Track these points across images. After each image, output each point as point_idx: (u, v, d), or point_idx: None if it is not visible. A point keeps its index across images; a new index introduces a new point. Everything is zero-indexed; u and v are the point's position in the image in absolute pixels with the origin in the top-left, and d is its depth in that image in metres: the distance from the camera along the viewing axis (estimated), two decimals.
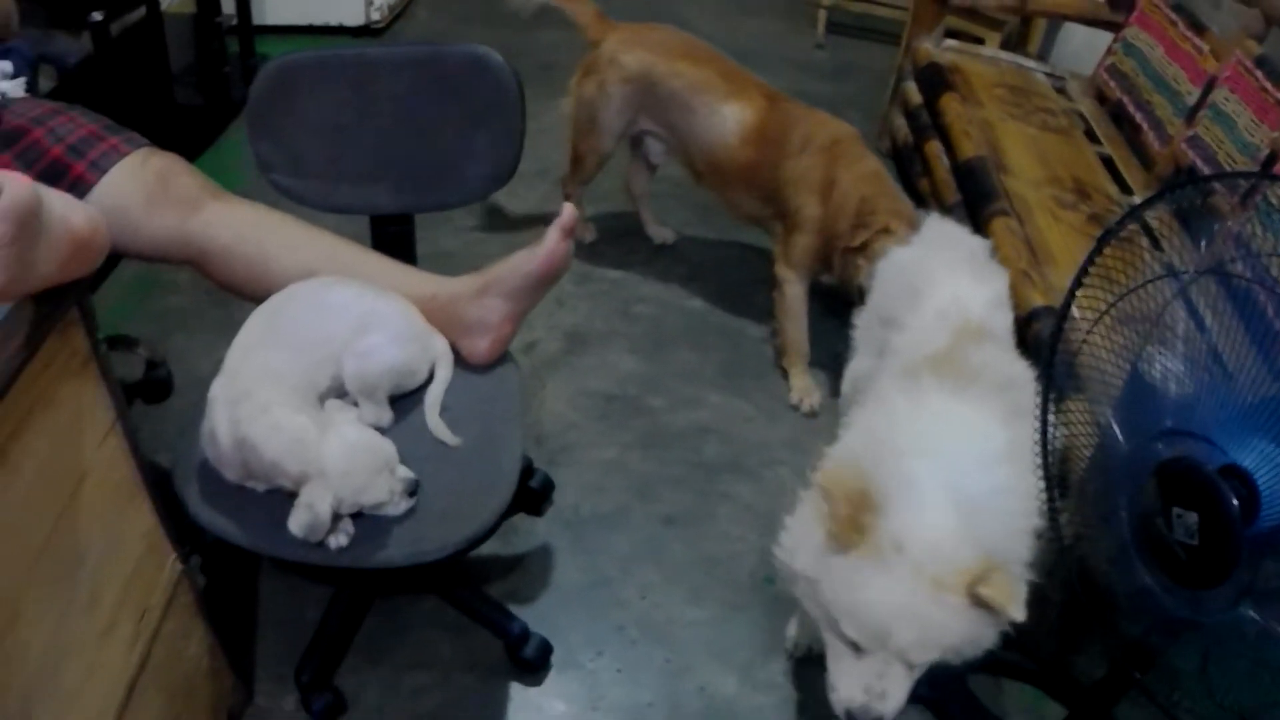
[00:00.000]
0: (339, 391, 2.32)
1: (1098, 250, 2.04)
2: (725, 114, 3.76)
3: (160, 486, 2.16)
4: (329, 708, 2.66)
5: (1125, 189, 3.71)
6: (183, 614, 2.28)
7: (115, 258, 2.28)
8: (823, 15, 6.16)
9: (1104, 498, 2.01)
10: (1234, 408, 1.73)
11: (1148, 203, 1.95)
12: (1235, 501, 1.66)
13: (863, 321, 3.05)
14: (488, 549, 3.12)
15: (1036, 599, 2.62)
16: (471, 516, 2.23)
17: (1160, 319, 1.87)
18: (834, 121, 3.73)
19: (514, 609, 2.84)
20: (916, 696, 2.63)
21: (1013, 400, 2.34)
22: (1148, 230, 2.00)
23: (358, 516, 2.19)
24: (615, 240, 4.36)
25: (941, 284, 2.67)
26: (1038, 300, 2.95)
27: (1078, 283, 2.07)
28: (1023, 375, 2.47)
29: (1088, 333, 2.06)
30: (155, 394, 3.42)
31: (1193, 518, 1.73)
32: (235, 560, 3.02)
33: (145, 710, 2.12)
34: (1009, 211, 3.48)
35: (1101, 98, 4.30)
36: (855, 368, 3.04)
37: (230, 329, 2.24)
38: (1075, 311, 2.12)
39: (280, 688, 2.73)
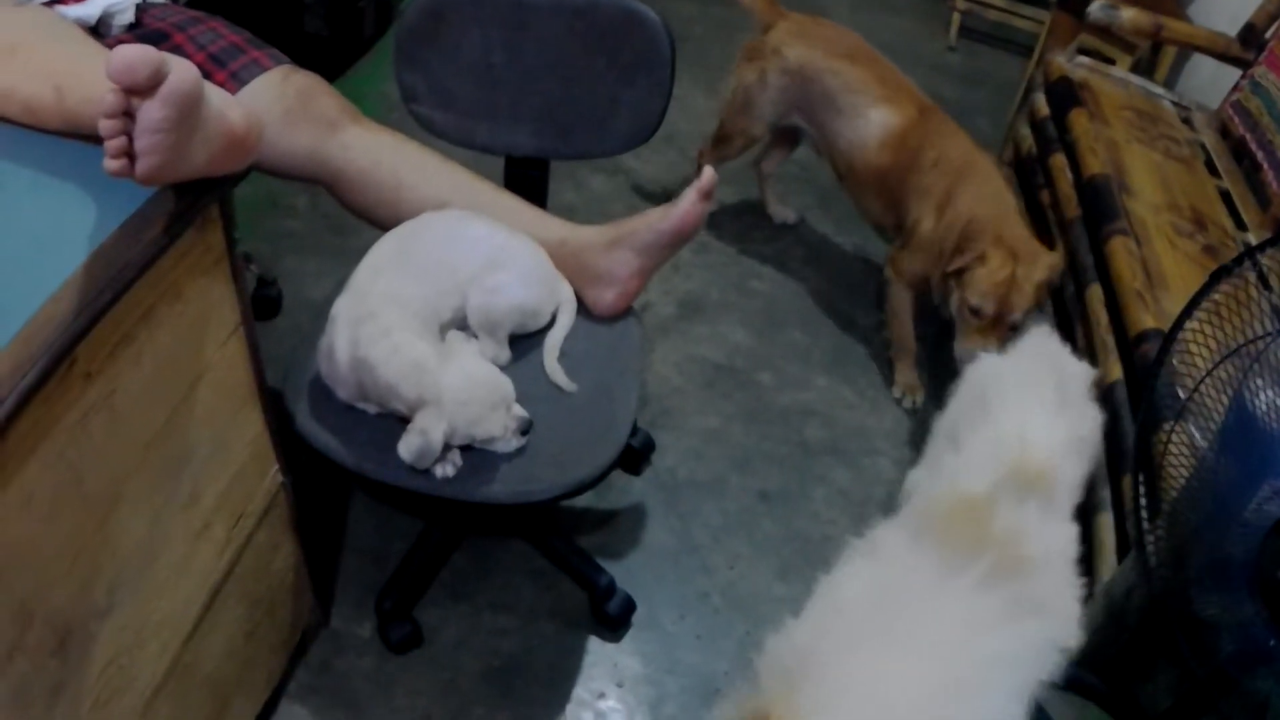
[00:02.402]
0: (460, 324, 2.32)
1: (1211, 285, 1.98)
2: (872, 117, 3.64)
3: (271, 403, 2.16)
4: (407, 638, 2.67)
5: (1240, 224, 3.66)
6: (276, 526, 2.28)
7: (242, 171, 2.29)
8: (956, 18, 6.07)
9: (1209, 532, 1.92)
10: None
11: (1267, 244, 1.90)
12: None
13: (937, 425, 2.74)
14: (582, 501, 3.11)
15: (1113, 619, 2.61)
16: (581, 463, 2.22)
17: (1270, 360, 1.81)
18: (973, 146, 3.61)
19: (602, 563, 2.83)
20: None
21: (1018, 595, 2.03)
22: (1258, 269, 1.95)
23: (466, 450, 2.18)
24: (736, 215, 4.32)
25: (1011, 406, 2.45)
26: (1149, 323, 2.90)
27: (1187, 313, 2.02)
28: (1057, 556, 2.20)
29: (1207, 374, 2.00)
30: (264, 312, 3.44)
31: None
32: (329, 485, 3.04)
33: (225, 616, 2.13)
34: (1128, 232, 3.43)
35: (1225, 132, 4.24)
36: (913, 477, 2.76)
37: (343, 256, 2.23)
38: (1182, 344, 2.07)
39: (358, 614, 2.74)
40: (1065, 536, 2.25)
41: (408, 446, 2.09)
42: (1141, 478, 2.24)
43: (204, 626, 2.04)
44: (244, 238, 3.41)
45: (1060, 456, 2.34)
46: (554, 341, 2.40)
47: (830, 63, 3.69)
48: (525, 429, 2.18)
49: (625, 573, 2.91)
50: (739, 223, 4.25)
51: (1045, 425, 2.38)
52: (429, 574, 2.85)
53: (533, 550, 2.93)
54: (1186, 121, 4.33)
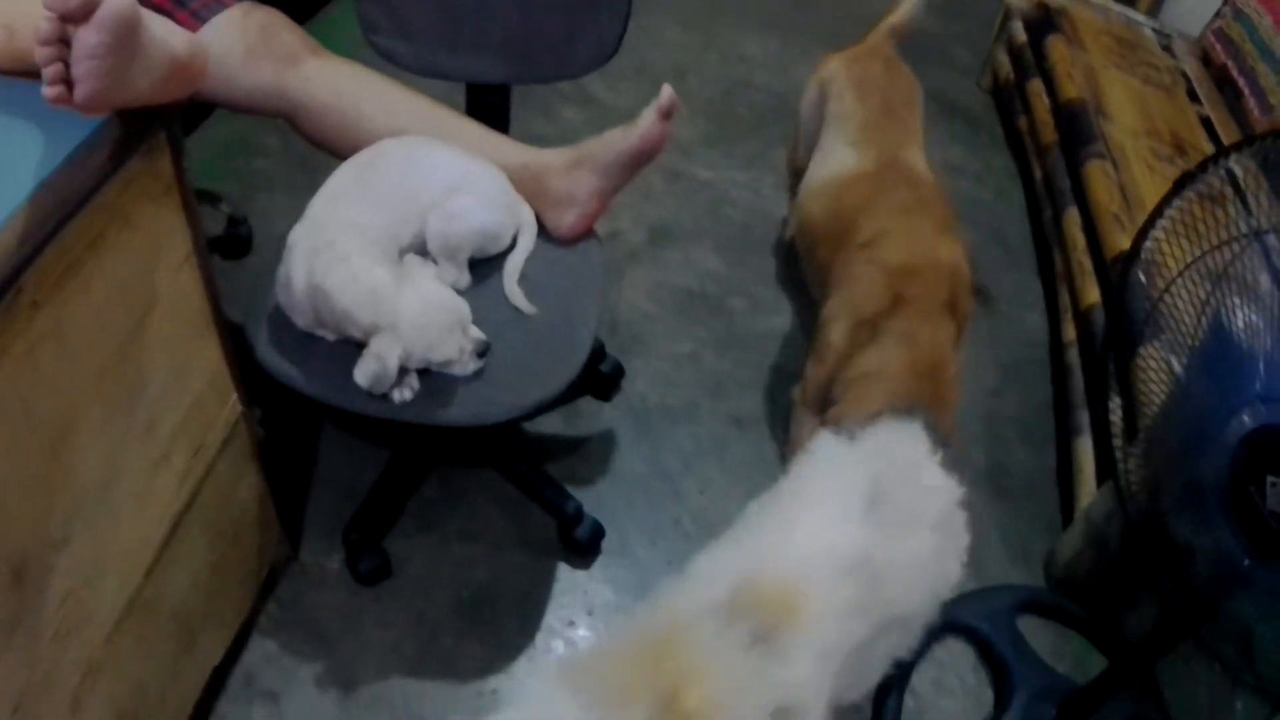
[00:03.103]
0: (420, 249, 2.31)
1: (1175, 192, 1.97)
2: (830, 155, 3.06)
3: (231, 334, 2.16)
4: (375, 570, 2.69)
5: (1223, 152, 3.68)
6: (238, 457, 2.28)
7: (206, 110, 2.27)
8: None
9: (1184, 455, 1.92)
10: None
11: (1234, 148, 1.89)
12: None
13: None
14: (551, 429, 3.12)
15: (1093, 544, 2.61)
16: (539, 384, 2.22)
17: (1244, 276, 1.79)
18: (935, 234, 2.76)
19: (571, 491, 2.84)
20: (966, 629, 2.64)
21: None
22: (1237, 188, 1.94)
23: (424, 374, 2.18)
24: (709, 144, 4.30)
25: (795, 510, 1.98)
26: (1126, 245, 2.90)
27: (1151, 221, 2.00)
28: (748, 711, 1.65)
29: (1170, 283, 1.99)
30: (234, 250, 3.43)
31: None
32: (296, 418, 3.04)
33: (188, 548, 2.13)
34: (1105, 156, 3.45)
35: (1207, 60, 4.25)
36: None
37: (314, 193, 2.22)
38: (1156, 258, 2.05)
39: (327, 547, 2.75)
40: (781, 688, 1.68)
41: (364, 371, 2.09)
42: (1117, 401, 2.23)
43: (166, 558, 2.04)
44: (216, 179, 3.42)
45: (824, 584, 1.79)
46: (514, 265, 2.39)
47: (843, 86, 3.17)
48: (482, 351, 2.17)
49: (595, 500, 2.91)
50: (712, 152, 4.24)
51: (822, 541, 1.87)
52: (397, 505, 2.85)
53: (501, 479, 2.93)
54: (1167, 49, 4.33)
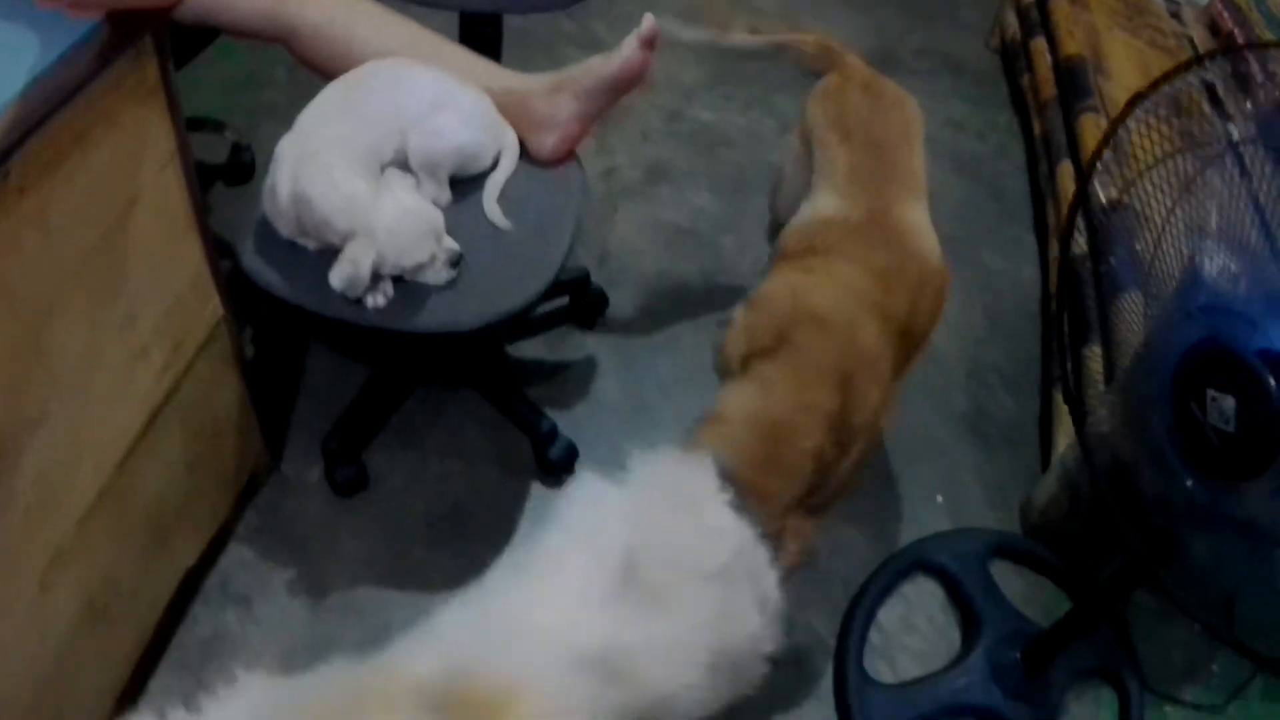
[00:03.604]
0: (402, 165, 2.35)
1: (1150, 91, 1.93)
2: (813, 202, 2.65)
3: (218, 245, 2.25)
4: (352, 480, 2.74)
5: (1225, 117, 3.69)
6: (218, 360, 2.34)
7: (208, 36, 2.32)
8: None
9: (1145, 382, 1.91)
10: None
11: (1207, 56, 1.88)
12: (1275, 384, 1.56)
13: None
14: (532, 353, 3.18)
15: (1066, 490, 2.63)
16: (508, 296, 2.27)
17: (1211, 186, 1.80)
18: (875, 324, 2.37)
19: (551, 415, 2.88)
20: (936, 568, 2.65)
21: None
22: (1215, 101, 1.94)
23: (399, 283, 2.24)
24: (710, 88, 4.31)
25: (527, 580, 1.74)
26: (1114, 195, 2.93)
27: (1119, 121, 1.96)
28: None
29: (1131, 183, 1.98)
30: (237, 177, 3.47)
31: (1229, 402, 1.64)
32: (284, 338, 3.09)
33: (165, 443, 2.18)
34: (1099, 110, 3.46)
35: (1214, 28, 4.25)
36: None
37: None
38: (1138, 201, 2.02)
39: (307, 460, 2.81)
40: None
41: (338, 274, 2.14)
42: (1097, 350, 2.24)
43: (142, 450, 2.09)
44: (224, 111, 3.45)
45: (551, 683, 1.55)
46: (494, 183, 2.43)
47: (824, 130, 2.74)
48: (455, 261, 2.23)
49: (573, 424, 2.95)
50: (713, 94, 4.26)
51: (558, 627, 1.63)
52: (377, 419, 2.91)
53: (481, 400, 2.98)
54: (1175, 16, 4.33)
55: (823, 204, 2.59)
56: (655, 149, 3.95)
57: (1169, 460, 1.79)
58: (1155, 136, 1.92)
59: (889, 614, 2.73)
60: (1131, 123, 1.94)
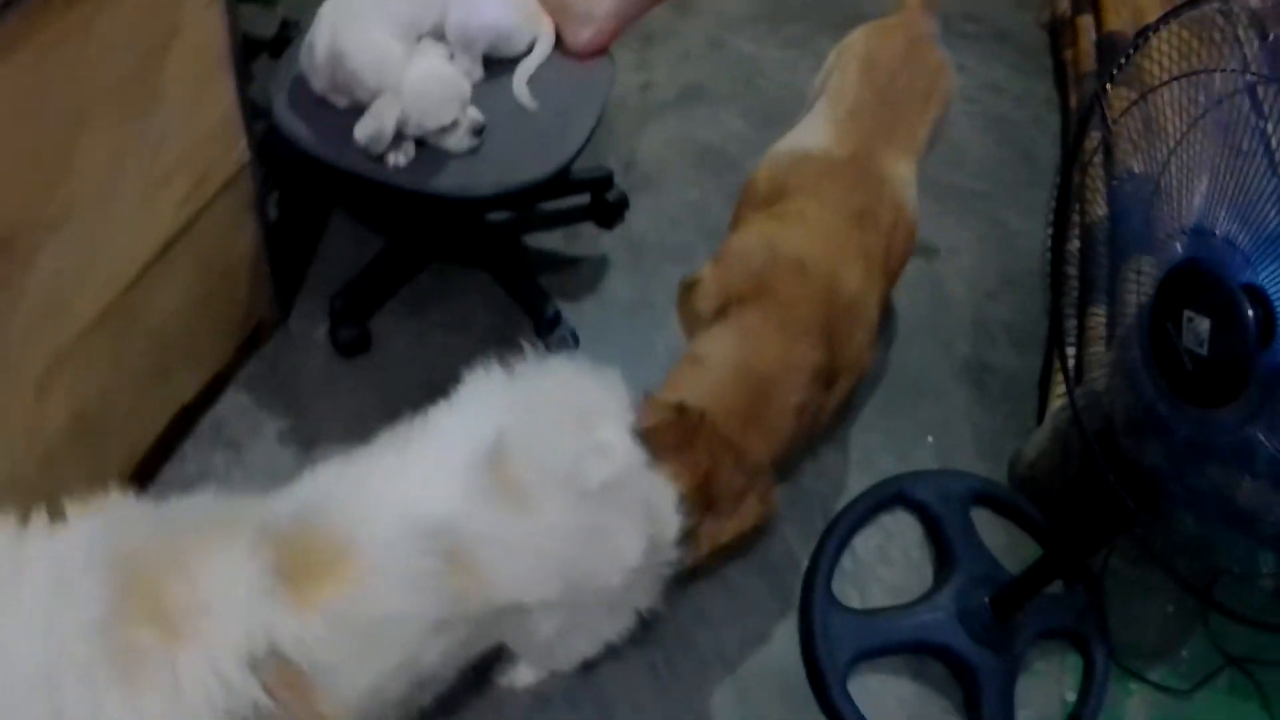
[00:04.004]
0: (439, 38, 2.40)
1: (1136, 45, 1.94)
2: (803, 127, 2.66)
3: (258, 114, 2.33)
4: (355, 341, 2.80)
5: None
6: (238, 203, 2.39)
7: None
8: None
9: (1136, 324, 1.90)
10: (1272, 224, 1.60)
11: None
12: (1251, 313, 1.56)
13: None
14: (549, 245, 3.22)
15: (1058, 445, 2.64)
16: (525, 168, 2.35)
17: (1226, 119, 1.79)
18: (857, 265, 2.35)
19: (559, 306, 2.92)
20: (918, 505, 2.69)
21: None
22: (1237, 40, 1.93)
23: (422, 146, 2.31)
24: (754, 21, 4.31)
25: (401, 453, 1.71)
26: (1138, 168, 2.93)
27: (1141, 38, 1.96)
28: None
29: (1143, 96, 1.98)
30: (282, 51, 3.49)
31: (1204, 324, 1.64)
32: (308, 204, 3.14)
33: (176, 273, 2.24)
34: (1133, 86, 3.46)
35: (1263, 32, 4.24)
36: None
37: None
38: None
39: (315, 319, 2.87)
40: (283, 639, 1.46)
41: (363, 129, 2.22)
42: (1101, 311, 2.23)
43: (152, 275, 2.15)
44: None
45: (386, 550, 1.55)
46: (526, 67, 2.50)
47: (851, 58, 2.68)
48: (478, 130, 2.30)
49: (578, 315, 2.99)
50: (758, 27, 4.26)
51: (410, 497, 1.62)
52: (388, 286, 2.96)
53: (493, 282, 3.02)
54: (1225, 14, 4.31)
55: (810, 133, 2.58)
56: (693, 70, 3.96)
57: (1143, 385, 1.81)
58: (1171, 57, 1.92)
59: (865, 543, 2.75)
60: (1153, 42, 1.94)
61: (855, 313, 2.29)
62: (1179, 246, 1.73)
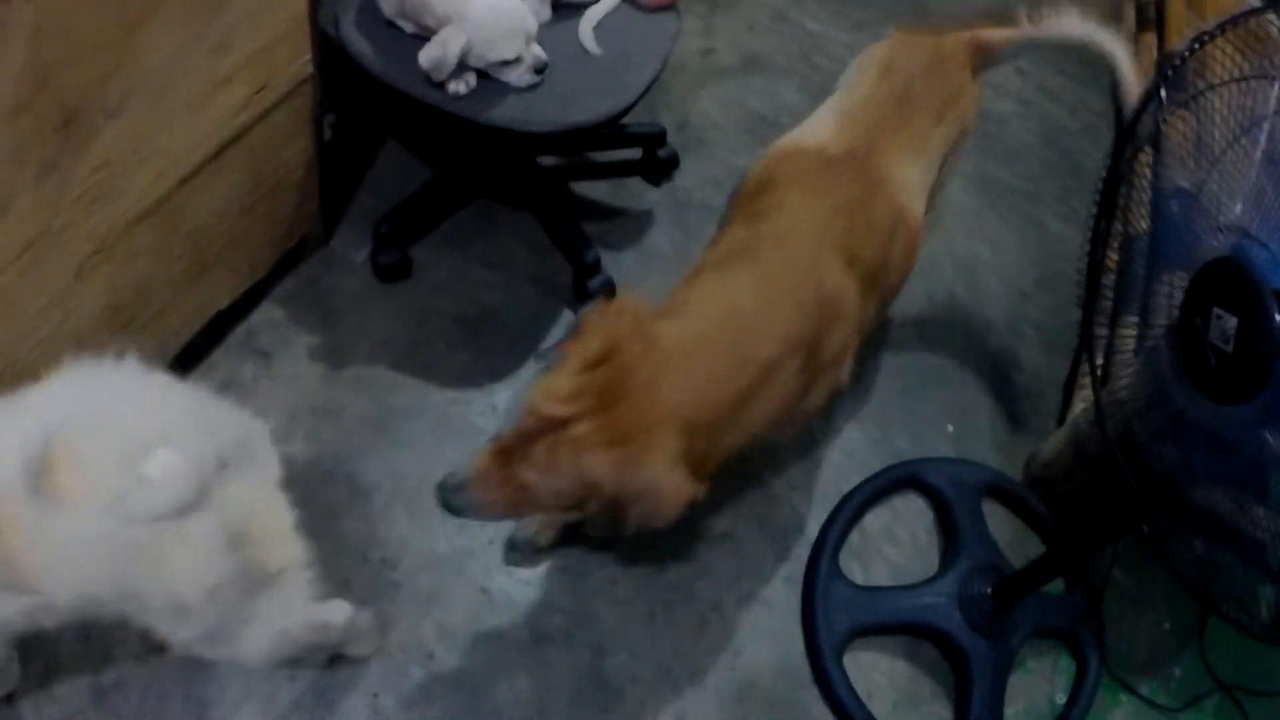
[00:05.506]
0: None
1: (1191, 49, 1.95)
2: (812, 123, 2.48)
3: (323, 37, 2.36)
4: (394, 266, 2.82)
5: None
6: (295, 116, 2.40)
7: None
8: None
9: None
10: None
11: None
12: (1279, 317, 1.56)
13: None
14: (595, 193, 3.24)
15: (1074, 447, 2.65)
16: (583, 109, 2.38)
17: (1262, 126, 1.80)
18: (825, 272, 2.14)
19: (598, 250, 2.95)
20: (930, 489, 2.75)
21: None
22: None
23: (484, 78, 2.34)
24: (825, 1, 4.29)
25: None
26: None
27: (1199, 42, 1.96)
28: None
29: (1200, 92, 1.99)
30: None
31: (1231, 322, 1.65)
32: (364, 128, 3.17)
33: (225, 178, 2.26)
34: (1193, 110, 3.46)
35: None
36: None
37: None
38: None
39: (357, 242, 2.89)
40: None
41: (427, 55, 2.24)
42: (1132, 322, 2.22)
43: (203, 175, 2.17)
44: None
45: None
46: (595, 12, 2.53)
47: (874, 60, 2.53)
48: (540, 68, 2.33)
49: (617, 264, 3.01)
50: (825, 8, 4.25)
51: None
52: (433, 216, 2.98)
53: (536, 224, 3.04)
54: None
55: (812, 128, 2.43)
56: (756, 41, 3.96)
57: (1168, 388, 1.82)
58: (1225, 65, 1.92)
59: (875, 521, 2.77)
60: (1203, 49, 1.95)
61: (834, 309, 2.11)
62: (1216, 243, 1.74)
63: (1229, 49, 1.91)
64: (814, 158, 2.29)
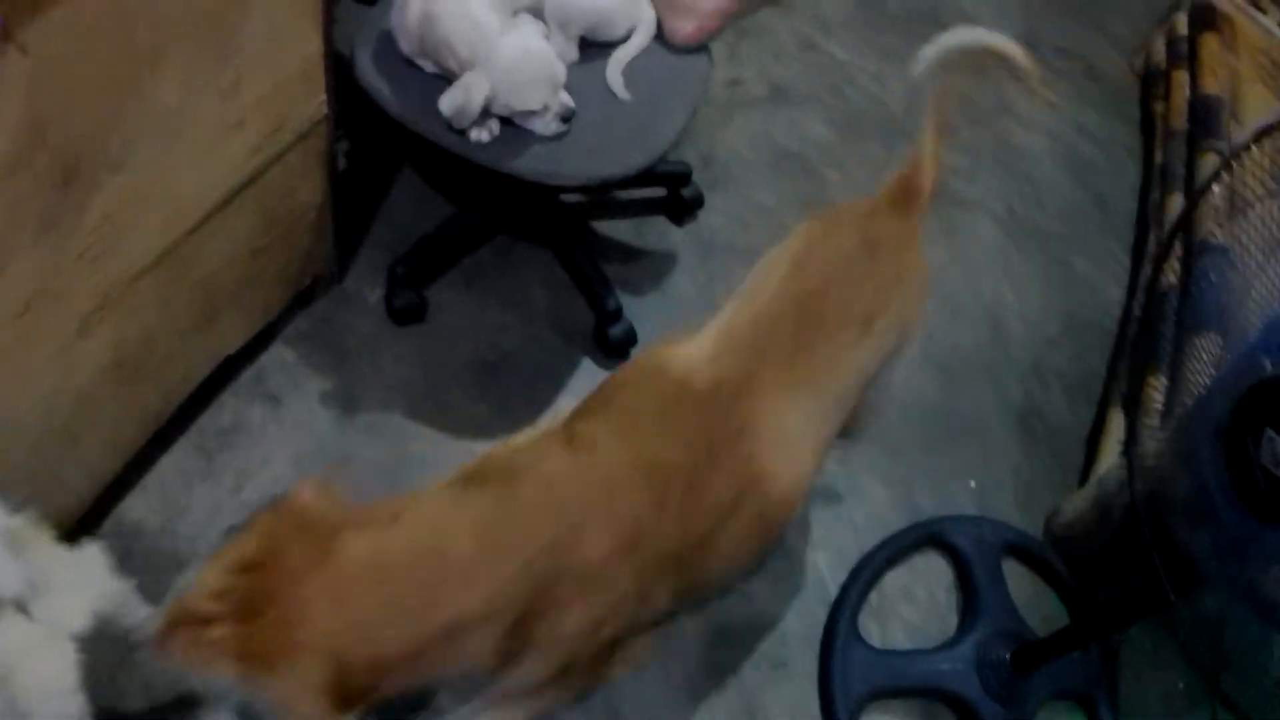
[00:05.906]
0: (537, 15, 2.36)
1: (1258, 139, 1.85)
2: (692, 342, 1.97)
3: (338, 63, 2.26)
4: (409, 309, 2.76)
5: None
6: (310, 156, 2.33)
7: None
8: None
9: (1205, 414, 1.80)
10: None
11: None
12: None
13: None
14: (618, 234, 3.18)
15: (1098, 509, 2.60)
16: (611, 161, 2.31)
17: None
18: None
19: (619, 296, 2.88)
20: (951, 548, 2.72)
21: None
22: None
23: (508, 125, 2.26)
24: (850, 29, 4.24)
25: None
26: (1217, 239, 2.89)
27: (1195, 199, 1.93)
28: None
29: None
30: None
31: None
32: (379, 159, 3.10)
33: (237, 223, 2.19)
34: (1224, 153, 3.42)
35: None
36: None
37: None
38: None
39: (371, 281, 2.83)
40: None
41: (449, 101, 2.17)
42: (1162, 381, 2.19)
43: (213, 223, 2.10)
44: None
45: None
46: (623, 54, 2.46)
47: (785, 252, 2.13)
48: (567, 116, 2.25)
49: (639, 309, 2.94)
50: (853, 36, 4.20)
51: None
52: (450, 256, 2.92)
53: (556, 263, 2.98)
54: None
55: (693, 345, 1.95)
56: (783, 71, 3.90)
57: (1211, 489, 1.74)
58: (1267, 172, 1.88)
59: (893, 580, 2.72)
60: (1251, 155, 1.86)
61: (580, 585, 1.71)
62: (1269, 365, 1.64)
63: (1267, 164, 1.88)
64: (671, 388, 1.87)
